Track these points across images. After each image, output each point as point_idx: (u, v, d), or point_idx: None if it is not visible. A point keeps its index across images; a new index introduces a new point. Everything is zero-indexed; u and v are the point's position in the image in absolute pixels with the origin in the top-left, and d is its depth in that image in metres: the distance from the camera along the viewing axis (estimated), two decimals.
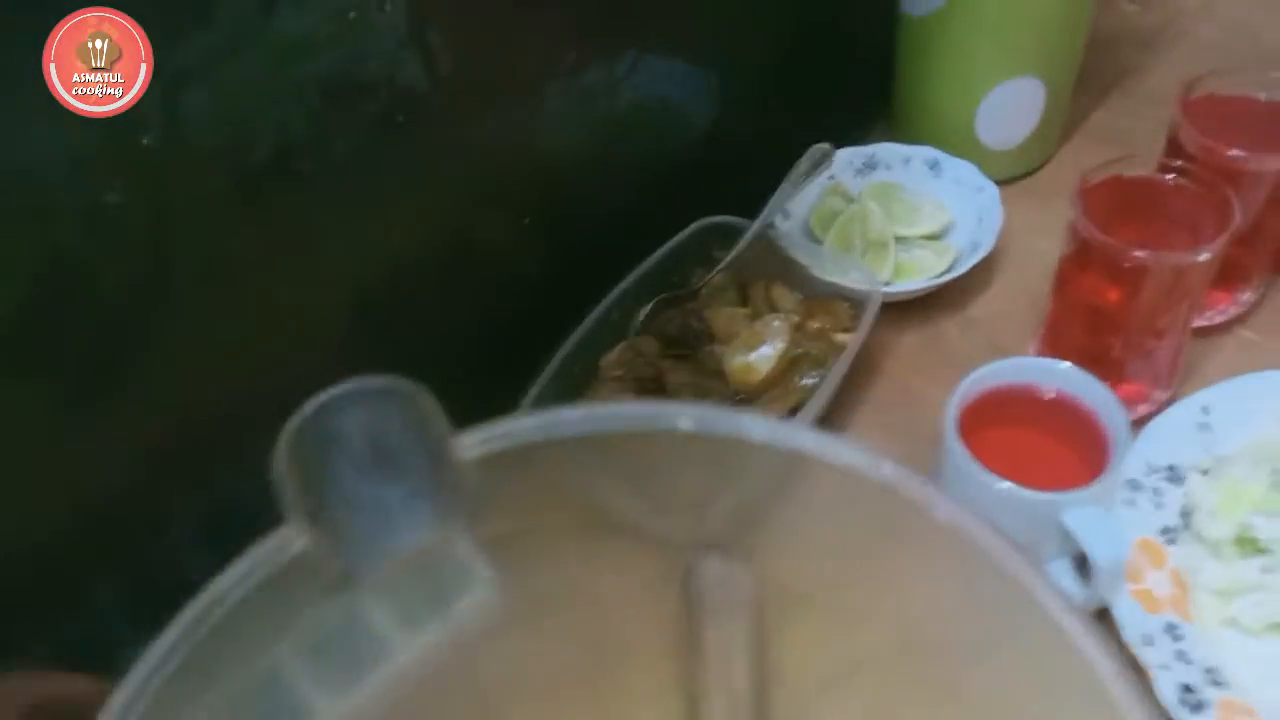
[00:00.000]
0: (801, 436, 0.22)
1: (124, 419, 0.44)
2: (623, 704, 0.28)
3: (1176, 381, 0.61)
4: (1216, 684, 0.49)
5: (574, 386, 0.61)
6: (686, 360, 0.63)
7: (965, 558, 0.21)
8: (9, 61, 0.36)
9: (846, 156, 0.73)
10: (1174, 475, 0.56)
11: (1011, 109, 0.71)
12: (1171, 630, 0.50)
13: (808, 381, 0.60)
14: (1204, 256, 0.52)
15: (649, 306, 0.65)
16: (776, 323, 0.61)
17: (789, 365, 0.61)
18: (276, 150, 0.45)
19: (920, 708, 0.25)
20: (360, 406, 0.21)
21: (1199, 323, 0.64)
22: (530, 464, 0.23)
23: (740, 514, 0.25)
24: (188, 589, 0.22)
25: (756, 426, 0.22)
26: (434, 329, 0.58)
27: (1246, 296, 0.65)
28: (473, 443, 0.22)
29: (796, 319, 0.62)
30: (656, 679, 0.27)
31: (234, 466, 0.41)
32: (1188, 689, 0.48)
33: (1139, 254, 0.53)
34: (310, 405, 0.21)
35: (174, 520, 0.48)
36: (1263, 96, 0.62)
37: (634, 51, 0.60)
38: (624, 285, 0.63)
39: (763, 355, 0.60)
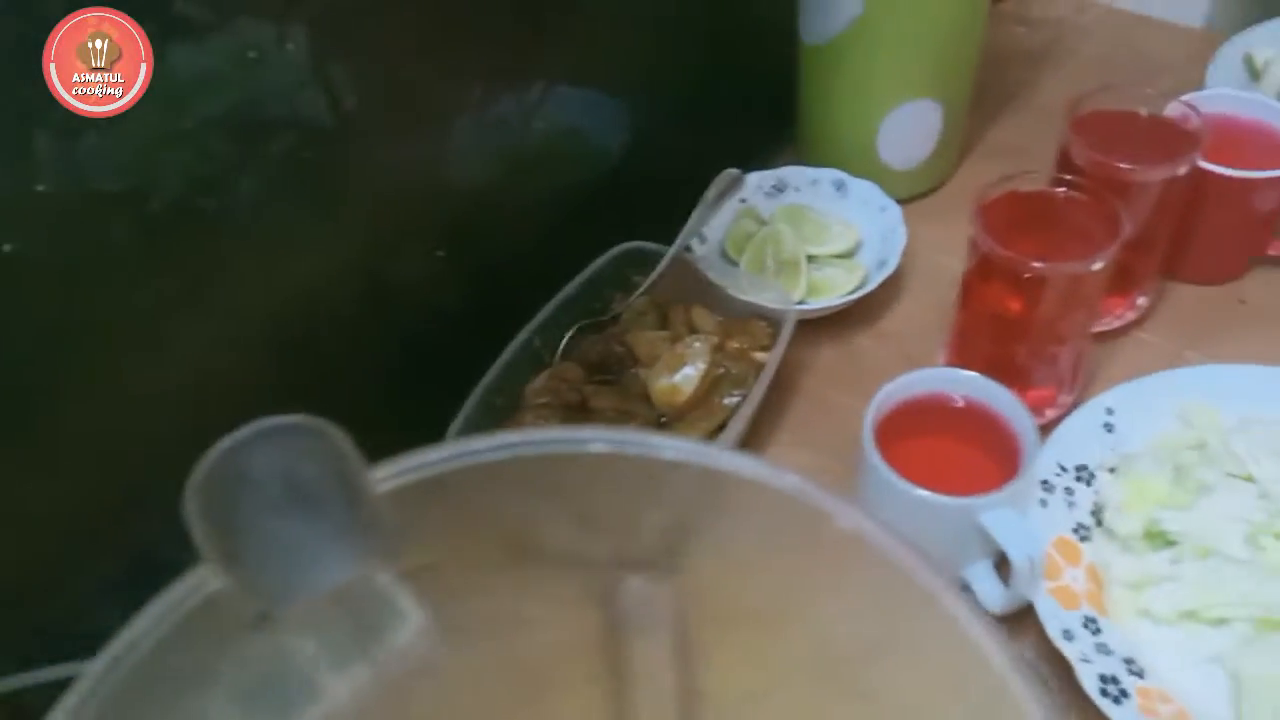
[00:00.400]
0: (710, 453, 0.23)
1: (30, 471, 0.43)
2: None
3: (1080, 385, 0.64)
4: (1135, 673, 0.50)
5: (498, 417, 0.61)
6: (610, 385, 0.63)
7: (870, 563, 0.22)
8: None
9: (756, 180, 0.74)
10: (1084, 475, 0.58)
11: (910, 130, 0.74)
12: (1090, 624, 0.52)
13: (730, 400, 0.61)
14: (1097, 265, 0.55)
15: (570, 333, 0.65)
16: (697, 344, 0.62)
17: (711, 385, 0.61)
18: (181, 193, 0.45)
19: (838, 712, 0.25)
20: (270, 446, 0.20)
21: (1098, 328, 0.67)
22: (447, 494, 0.23)
23: (658, 533, 0.25)
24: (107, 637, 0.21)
25: (667, 446, 0.23)
26: (353, 366, 0.58)
27: (1142, 301, 0.69)
28: (386, 476, 0.22)
29: (716, 340, 0.63)
30: (584, 703, 0.27)
31: (149, 513, 0.40)
32: (1109, 679, 0.50)
33: (1037, 265, 0.55)
34: (219, 447, 0.20)
35: (93, 570, 0.46)
36: (1144, 111, 0.65)
37: (542, 83, 0.61)
38: (544, 313, 0.64)
39: (685, 376, 0.61)
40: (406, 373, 0.61)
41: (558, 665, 0.27)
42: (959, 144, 0.79)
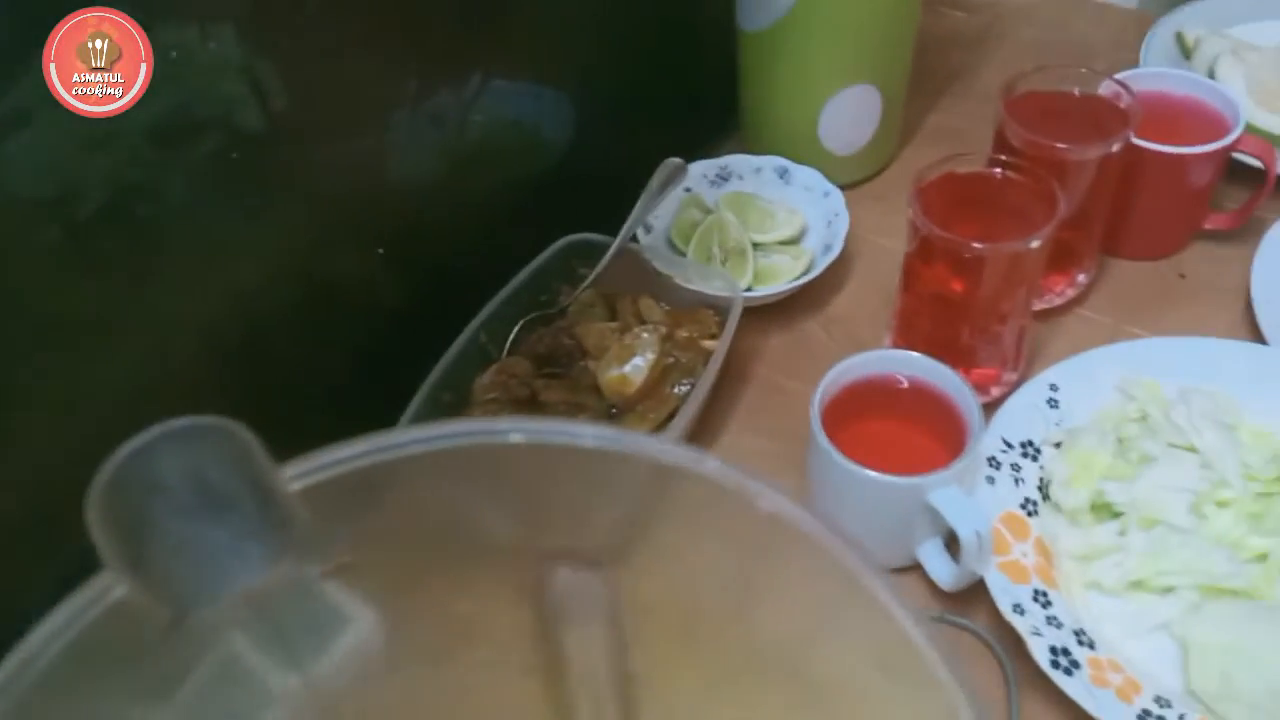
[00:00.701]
0: (631, 439, 0.23)
1: None
2: None
3: (1024, 363, 0.64)
4: (1085, 644, 0.51)
5: (446, 414, 0.60)
6: (560, 378, 0.63)
7: (795, 547, 0.22)
8: None
9: (700, 169, 0.74)
10: (1029, 451, 0.59)
11: (851, 116, 0.74)
12: (1040, 597, 0.53)
13: (680, 390, 0.61)
14: (1035, 243, 0.55)
15: (517, 327, 0.65)
16: (645, 334, 0.62)
17: (661, 375, 0.61)
18: (108, 198, 0.44)
19: (773, 700, 0.25)
20: (176, 448, 0.20)
21: (1040, 306, 0.68)
22: (367, 490, 0.23)
23: (585, 523, 0.25)
24: None
25: (586, 434, 0.23)
26: (295, 370, 0.57)
27: (1081, 278, 0.69)
28: (297, 474, 0.22)
29: (665, 329, 0.63)
30: (523, 696, 0.27)
31: (79, 525, 0.39)
32: (1060, 651, 0.50)
33: (976, 245, 0.56)
34: (121, 451, 0.20)
35: (19, 588, 0.45)
36: (1076, 91, 0.66)
37: (479, 76, 0.60)
38: (490, 308, 0.63)
39: (635, 367, 0.61)
40: (351, 374, 0.60)
41: (495, 659, 0.27)
42: (899, 129, 0.80)
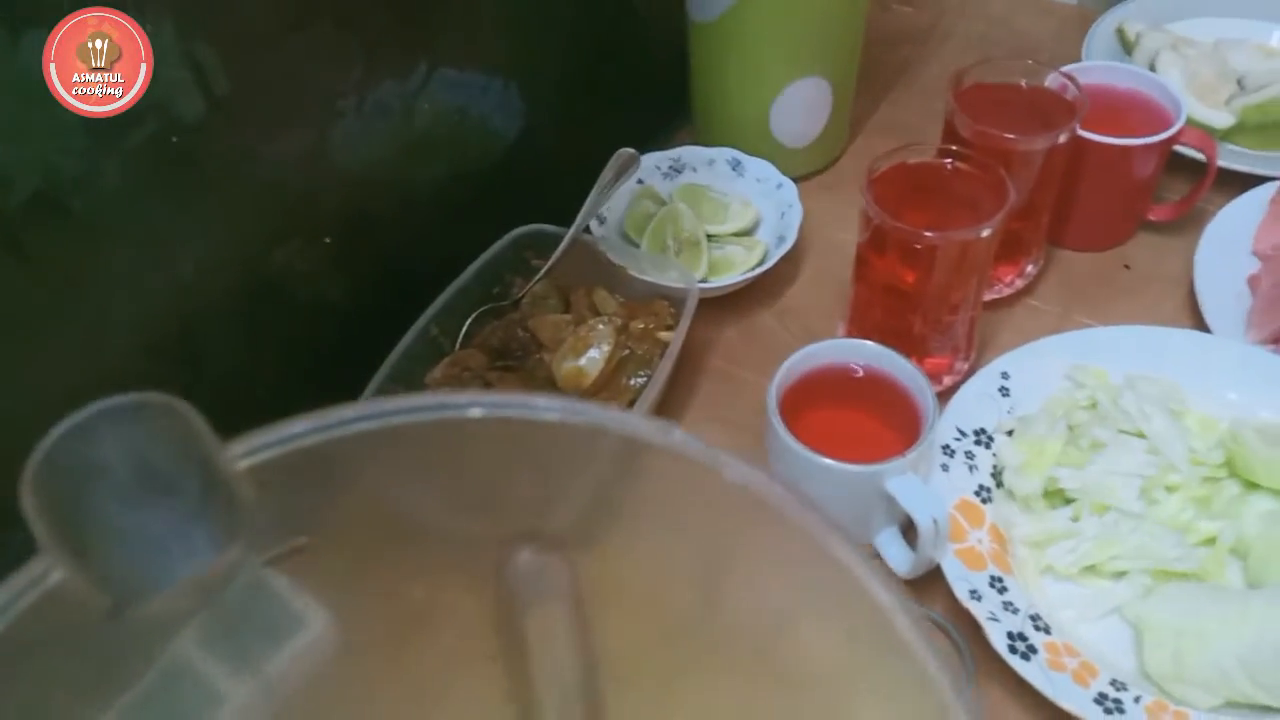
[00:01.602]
0: (593, 411, 0.22)
1: None
2: (456, 713, 0.27)
3: (975, 352, 0.65)
4: (1041, 629, 0.52)
5: None
6: (514, 371, 0.62)
7: (760, 520, 0.21)
8: None
9: (653, 160, 0.74)
10: (982, 438, 0.59)
11: (801, 108, 0.74)
12: (996, 583, 0.53)
13: (636, 381, 0.60)
14: (986, 232, 0.56)
15: (470, 320, 0.63)
16: (601, 326, 0.61)
17: (617, 367, 0.61)
18: (39, 188, 0.42)
19: (740, 683, 0.25)
20: (114, 427, 0.19)
21: (990, 296, 0.69)
22: (318, 469, 0.21)
23: (544, 501, 0.24)
24: None
25: (547, 407, 0.22)
26: (236, 366, 0.55)
27: (1030, 268, 0.70)
28: (244, 451, 0.21)
29: (620, 321, 0.62)
30: (486, 681, 0.26)
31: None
32: (1017, 636, 0.51)
33: (927, 235, 0.56)
34: (55, 431, 0.19)
35: None
36: (1023, 83, 0.66)
37: (425, 65, 0.59)
38: (441, 300, 0.62)
39: (591, 359, 0.60)
40: (297, 370, 0.59)
41: (456, 645, 0.26)
42: (848, 122, 0.80)
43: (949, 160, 0.59)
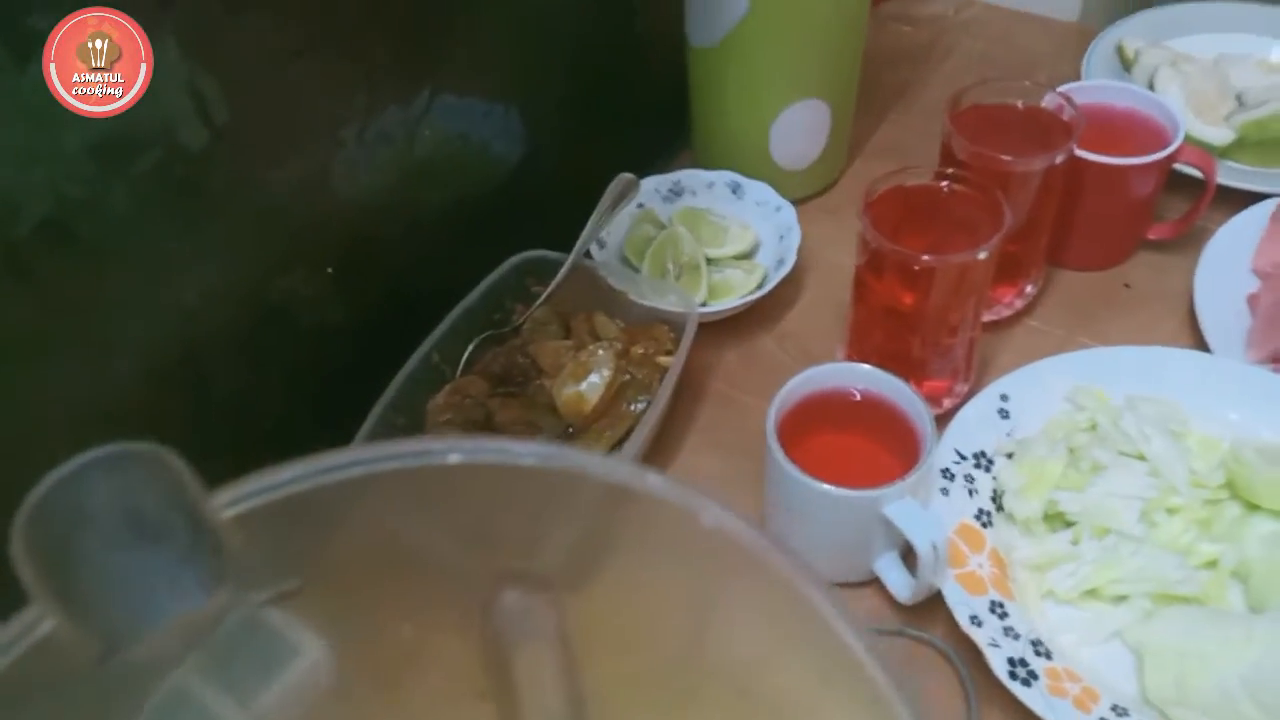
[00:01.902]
0: (570, 457, 0.22)
1: None
2: None
3: (975, 374, 0.65)
4: (1042, 654, 0.51)
5: (399, 436, 0.59)
6: (515, 397, 0.62)
7: (736, 563, 0.21)
8: None
9: (653, 184, 0.74)
10: (982, 461, 0.59)
11: (800, 131, 0.75)
12: (997, 608, 0.53)
13: (636, 407, 0.60)
14: (983, 254, 0.56)
15: (471, 346, 0.64)
16: (601, 351, 0.61)
17: (617, 392, 0.61)
18: (45, 216, 0.42)
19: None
20: (102, 476, 0.19)
21: (989, 318, 0.69)
22: (304, 515, 0.22)
23: (529, 544, 0.24)
24: None
25: (525, 453, 0.22)
26: (239, 392, 0.55)
27: (1029, 289, 0.70)
28: (229, 500, 0.21)
29: (620, 346, 0.62)
30: None
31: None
32: (1018, 662, 0.50)
33: (925, 258, 0.56)
34: (45, 482, 0.19)
35: None
36: (1020, 104, 0.67)
37: (427, 91, 0.60)
38: (443, 327, 0.62)
39: (591, 384, 0.60)
40: (300, 397, 0.59)
41: (445, 685, 0.26)
42: (847, 144, 0.80)
43: (946, 183, 0.60)
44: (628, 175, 0.67)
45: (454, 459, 0.22)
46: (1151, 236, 0.73)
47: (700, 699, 0.25)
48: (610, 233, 0.71)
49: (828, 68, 0.72)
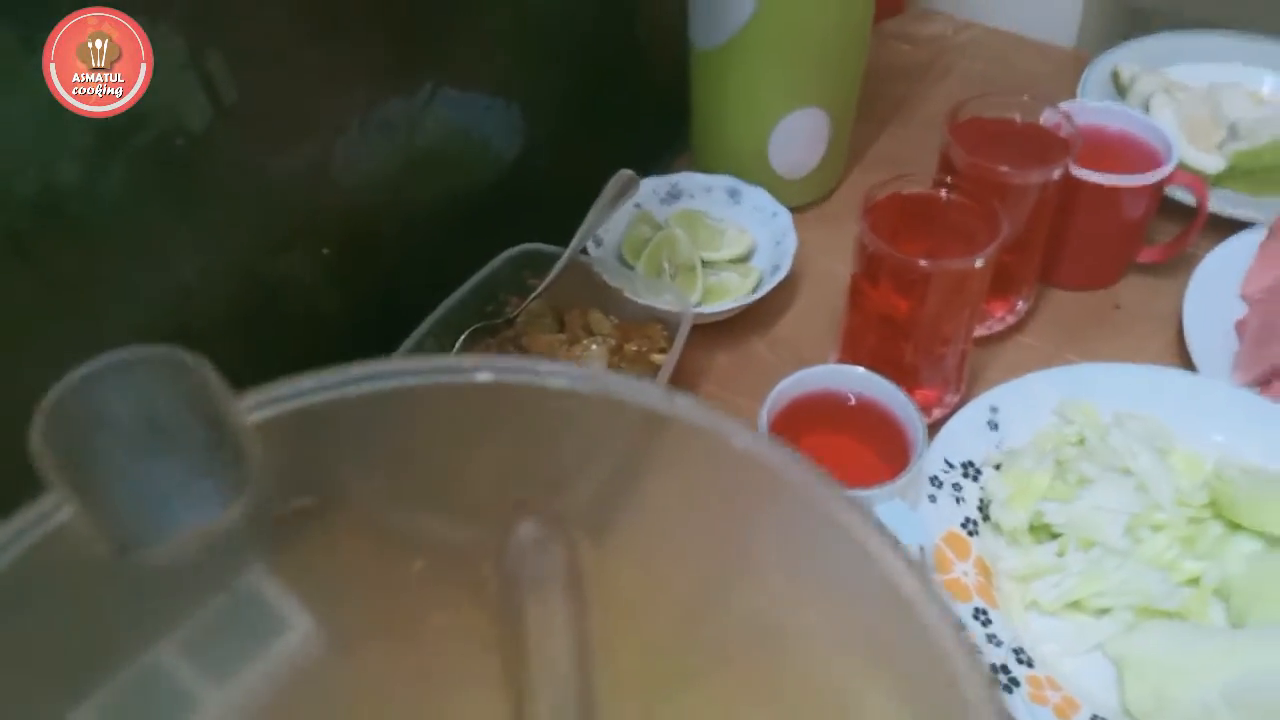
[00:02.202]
0: (599, 379, 0.22)
1: None
2: (450, 705, 0.27)
3: (965, 386, 0.65)
4: (1024, 662, 0.52)
5: None
6: None
7: (767, 490, 0.21)
8: None
9: (651, 185, 0.74)
10: (970, 471, 0.59)
11: (800, 138, 0.75)
12: (980, 615, 0.53)
13: None
14: (979, 262, 0.56)
15: (464, 336, 0.64)
16: (595, 346, 0.61)
17: None
18: (42, 193, 0.42)
19: (743, 672, 0.25)
20: (126, 379, 0.19)
21: (981, 332, 0.69)
22: (325, 430, 0.22)
23: (549, 473, 0.24)
24: None
25: (554, 373, 0.22)
26: (234, 372, 0.55)
27: (1021, 305, 0.71)
28: (255, 404, 0.21)
29: (614, 342, 0.62)
30: (483, 677, 0.26)
31: None
32: (1000, 669, 0.51)
33: (922, 263, 0.56)
34: (69, 378, 0.19)
35: None
36: (1018, 118, 0.67)
37: (430, 84, 0.60)
38: (436, 315, 0.62)
39: None
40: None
41: (452, 628, 0.26)
42: (845, 154, 0.81)
43: (944, 190, 0.60)
44: (628, 172, 0.67)
45: (482, 377, 0.22)
46: (1142, 259, 0.74)
47: (723, 655, 0.25)
48: (608, 231, 0.71)
49: (829, 77, 0.73)
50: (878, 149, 0.85)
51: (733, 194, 0.75)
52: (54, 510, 0.19)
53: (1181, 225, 0.72)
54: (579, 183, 0.68)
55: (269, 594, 0.24)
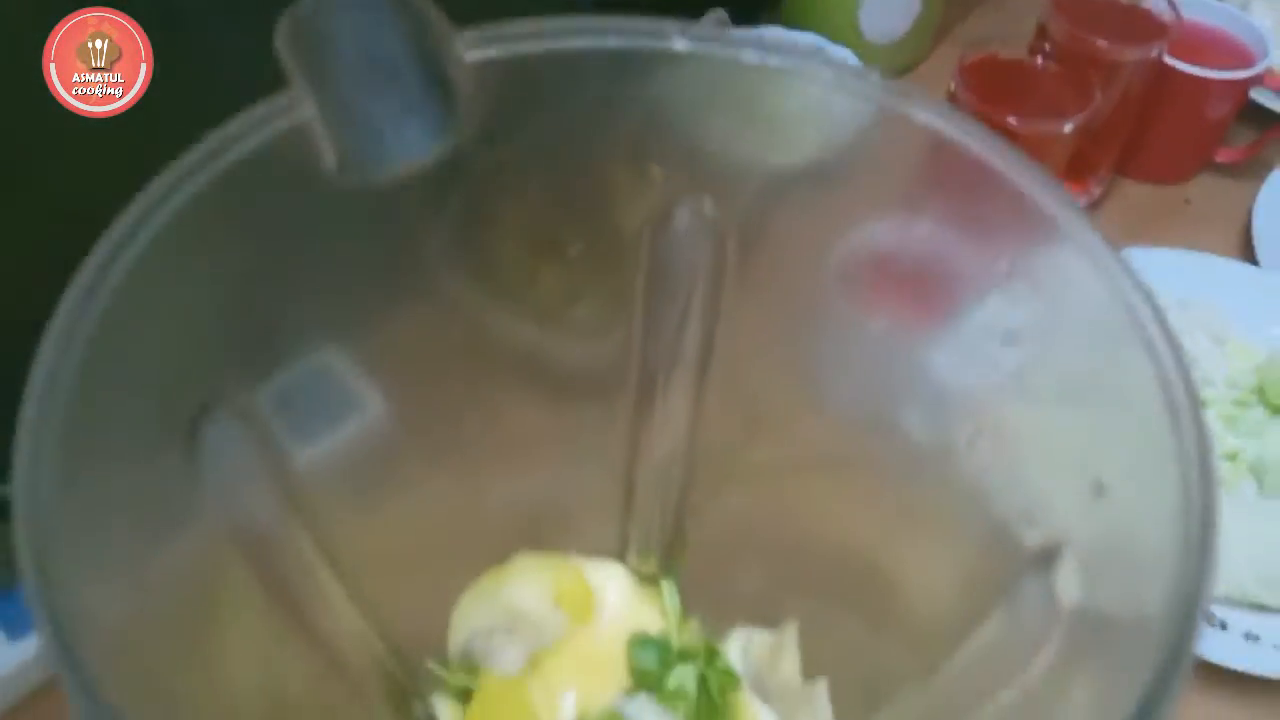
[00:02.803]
0: (794, 59, 0.24)
1: None
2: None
3: None
4: None
5: None
6: None
7: (951, 169, 0.23)
8: None
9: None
10: None
11: (891, 4, 0.75)
12: None
13: None
14: (1068, 127, 0.57)
15: None
16: None
17: None
18: None
19: None
20: (353, 10, 0.20)
21: None
22: (532, 82, 0.23)
23: (724, 159, 0.26)
24: None
25: (745, 40, 0.24)
26: None
27: (1095, 190, 0.71)
28: (475, 40, 0.22)
29: None
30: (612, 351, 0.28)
31: None
32: None
33: (1011, 121, 0.57)
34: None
35: None
36: None
37: None
38: None
39: None
40: None
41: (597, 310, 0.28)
42: (934, 25, 0.80)
43: (1039, 57, 0.60)
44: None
45: (680, 45, 0.24)
46: (1218, 159, 0.74)
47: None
48: None
49: None
50: (968, 26, 0.85)
51: None
52: (296, 104, 0.20)
53: (1257, 133, 0.72)
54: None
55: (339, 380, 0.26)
